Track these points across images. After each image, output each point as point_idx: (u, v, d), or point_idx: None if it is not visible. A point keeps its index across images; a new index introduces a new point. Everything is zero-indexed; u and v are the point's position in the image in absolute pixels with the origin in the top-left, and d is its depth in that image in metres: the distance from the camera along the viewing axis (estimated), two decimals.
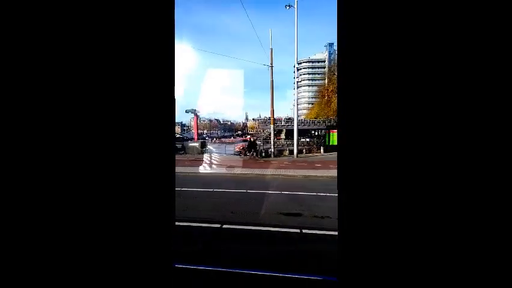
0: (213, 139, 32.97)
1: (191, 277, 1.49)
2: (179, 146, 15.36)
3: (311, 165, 11.46)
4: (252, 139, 16.89)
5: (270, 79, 14.59)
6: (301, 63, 53.14)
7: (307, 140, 23.43)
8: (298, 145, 14.62)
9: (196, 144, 15.83)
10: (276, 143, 21.68)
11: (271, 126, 14.92)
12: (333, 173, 9.75)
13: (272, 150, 14.40)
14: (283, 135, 24.42)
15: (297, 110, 15.08)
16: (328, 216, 4.77)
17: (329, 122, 24.67)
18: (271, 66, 14.42)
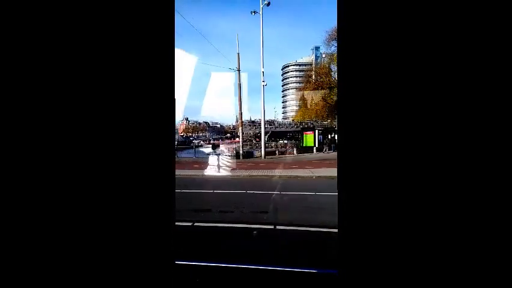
0: (199, 142, 33.18)
1: (191, 273, 1.56)
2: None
3: (268, 166, 11.84)
4: (215, 142, 17.33)
5: (237, 82, 15.01)
6: (288, 66, 53.81)
7: (285, 141, 23.84)
8: (265, 147, 15.03)
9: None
10: (255, 145, 22.05)
11: (240, 129, 15.31)
12: (276, 172, 10.26)
13: (241, 152, 14.78)
14: (265, 138, 24.82)
15: (264, 112, 15.51)
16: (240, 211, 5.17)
17: (305, 124, 25.07)
18: (239, 71, 14.86)
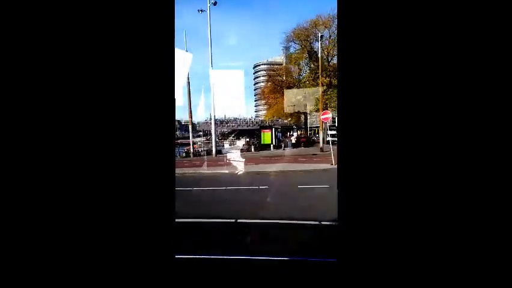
0: None
1: (190, 267, 1.59)
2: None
3: (201, 164, 12.24)
4: (179, 141, 17.36)
5: (186, 81, 15.06)
6: (259, 65, 54.29)
7: (247, 139, 24.21)
8: (216, 145, 15.24)
9: None
10: (217, 143, 21.97)
11: (190, 127, 15.39)
12: (202, 170, 10.65)
13: (191, 150, 14.88)
14: (233, 136, 25.11)
15: (214, 111, 15.72)
16: None
17: (272, 122, 25.55)
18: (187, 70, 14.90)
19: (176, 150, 18.56)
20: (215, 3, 14.83)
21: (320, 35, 20.70)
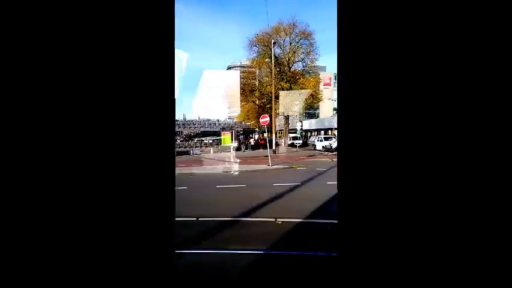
0: None
1: (190, 261, 1.61)
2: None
3: None
4: None
5: None
6: (232, 67, 54.66)
7: (210, 141, 24.58)
8: (179, 147, 15.38)
9: None
10: (178, 145, 21.99)
11: None
12: None
13: None
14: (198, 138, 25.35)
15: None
16: None
17: (228, 125, 26.04)
18: None
19: None
20: None
21: (273, 42, 21.58)
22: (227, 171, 10.34)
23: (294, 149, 19.68)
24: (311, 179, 7.64)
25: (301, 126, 25.43)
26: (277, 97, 22.12)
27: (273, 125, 19.40)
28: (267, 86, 22.97)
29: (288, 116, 24.69)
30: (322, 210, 4.41)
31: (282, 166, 10.52)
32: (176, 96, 0.97)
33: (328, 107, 37.32)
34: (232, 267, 1.66)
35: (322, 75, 41.24)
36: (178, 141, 26.32)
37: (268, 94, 22.23)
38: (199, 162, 13.04)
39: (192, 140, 27.88)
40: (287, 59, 23.31)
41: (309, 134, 29.62)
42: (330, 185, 6.60)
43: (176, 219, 1.02)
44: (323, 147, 17.81)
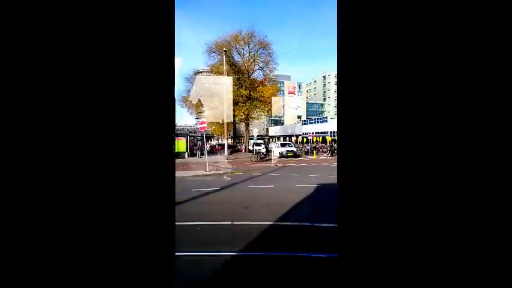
0: None
1: (190, 263, 1.59)
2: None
3: None
4: None
5: None
6: (201, 72, 54.37)
7: None
8: None
9: None
10: None
11: None
12: None
13: None
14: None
15: None
16: None
17: (181, 129, 25.63)
18: None
19: None
20: None
21: (224, 51, 21.93)
22: None
23: (251, 154, 19.87)
24: (236, 183, 7.74)
25: (264, 132, 25.67)
26: (237, 103, 22.34)
27: (225, 131, 19.45)
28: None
29: (248, 122, 25.00)
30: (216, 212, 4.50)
31: (218, 172, 10.53)
32: None
33: (292, 115, 38.54)
34: (233, 269, 1.67)
35: (286, 84, 42.69)
36: None
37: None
38: None
39: None
40: (246, 67, 23.75)
41: (275, 140, 30.21)
42: (250, 188, 6.88)
43: None
44: (279, 153, 18.22)
